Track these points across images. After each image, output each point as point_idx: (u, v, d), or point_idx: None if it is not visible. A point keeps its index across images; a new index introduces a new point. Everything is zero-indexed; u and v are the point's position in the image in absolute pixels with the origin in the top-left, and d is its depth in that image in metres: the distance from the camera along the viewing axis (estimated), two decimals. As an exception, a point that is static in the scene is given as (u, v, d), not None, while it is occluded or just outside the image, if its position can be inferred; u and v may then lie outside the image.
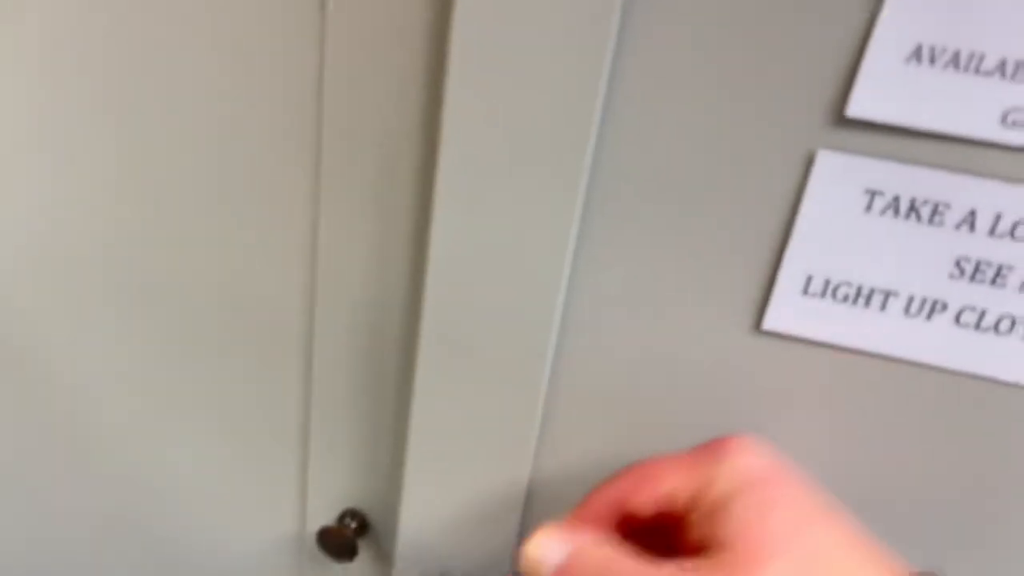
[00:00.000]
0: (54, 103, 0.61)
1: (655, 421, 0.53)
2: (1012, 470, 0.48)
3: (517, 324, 0.51)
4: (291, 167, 0.57)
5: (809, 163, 0.44)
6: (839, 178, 0.44)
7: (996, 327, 0.45)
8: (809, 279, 0.46)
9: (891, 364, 0.47)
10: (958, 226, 0.43)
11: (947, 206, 0.43)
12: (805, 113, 0.43)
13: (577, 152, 0.46)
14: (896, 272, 0.45)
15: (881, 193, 0.44)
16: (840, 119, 0.43)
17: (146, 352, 0.68)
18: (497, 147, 0.47)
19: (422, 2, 0.48)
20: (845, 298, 0.46)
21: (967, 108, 0.41)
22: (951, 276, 0.44)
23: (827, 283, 0.46)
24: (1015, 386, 0.46)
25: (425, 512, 0.60)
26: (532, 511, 0.59)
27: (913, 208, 0.43)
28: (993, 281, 0.44)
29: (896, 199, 0.43)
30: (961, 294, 0.45)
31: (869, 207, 0.44)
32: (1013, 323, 0.45)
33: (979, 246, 0.43)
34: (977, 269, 0.44)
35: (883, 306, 0.46)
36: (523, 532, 0.59)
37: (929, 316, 0.46)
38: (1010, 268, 0.43)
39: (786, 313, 0.48)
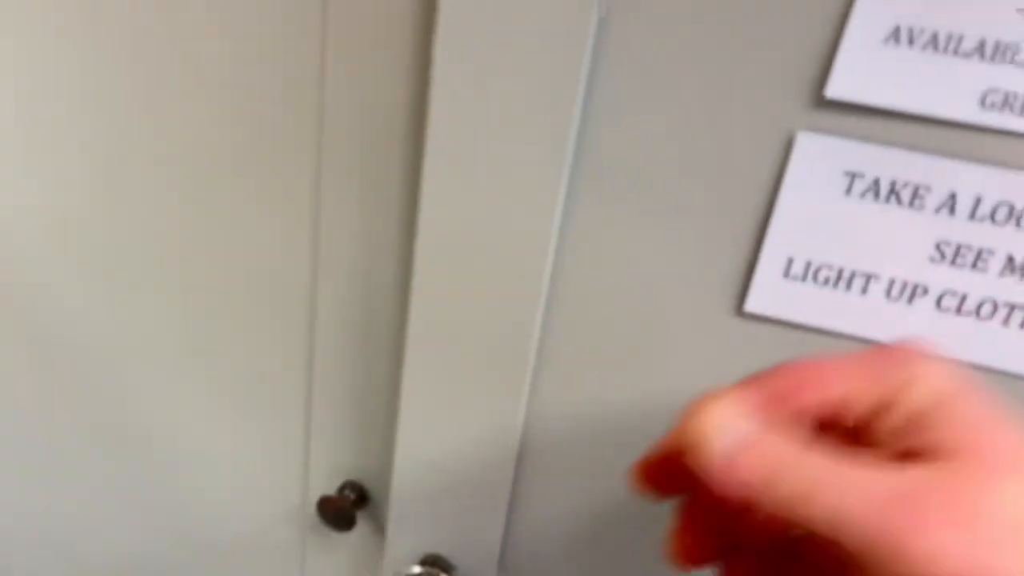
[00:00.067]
0: (83, 92, 0.63)
1: (640, 400, 0.54)
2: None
3: (503, 304, 0.52)
4: (293, 154, 0.59)
5: (789, 145, 0.44)
6: (819, 160, 0.44)
7: (977, 311, 0.45)
8: (790, 262, 0.47)
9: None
10: (938, 209, 0.43)
11: (927, 189, 0.43)
12: (784, 95, 0.43)
13: (561, 135, 0.46)
14: (877, 255, 0.45)
15: (861, 175, 0.44)
16: (819, 101, 0.43)
17: (158, 329, 0.71)
18: (483, 130, 0.48)
19: (413, -16, 0.49)
20: (826, 281, 0.47)
21: (946, 90, 0.40)
22: (932, 260, 0.44)
23: (808, 266, 0.46)
24: (996, 371, 0.46)
25: (416, 487, 0.62)
26: (520, 487, 0.60)
27: (893, 191, 0.43)
28: (974, 265, 0.44)
29: (876, 182, 0.43)
30: (942, 278, 0.45)
31: (849, 190, 0.44)
32: (995, 308, 0.44)
33: (960, 230, 0.43)
34: (958, 253, 0.44)
35: (864, 289, 0.46)
36: (511, 510, 0.61)
37: (910, 300, 0.46)
38: (991, 252, 0.43)
39: (768, 296, 0.48)
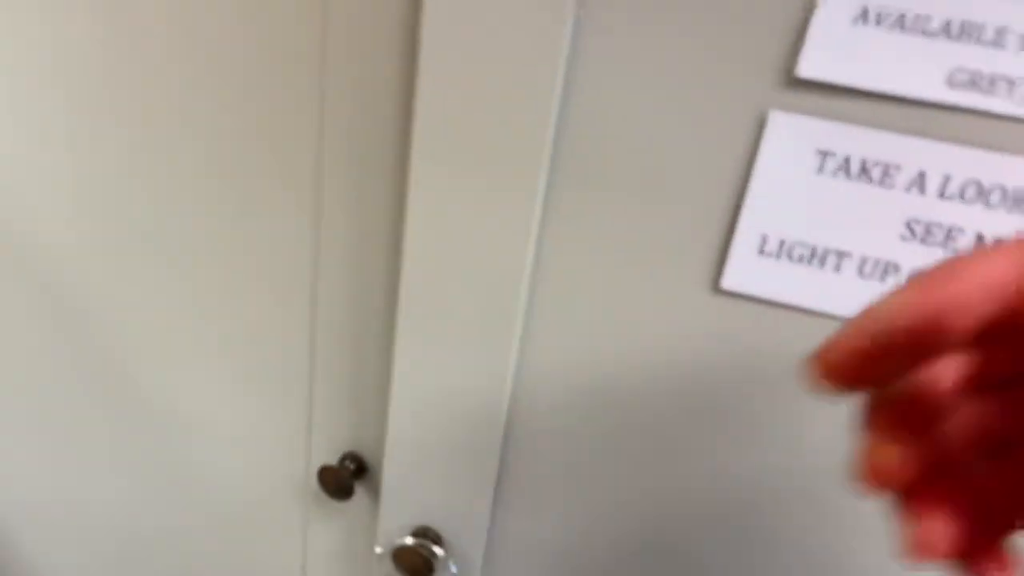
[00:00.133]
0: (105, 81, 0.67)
1: (622, 375, 0.55)
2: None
3: (488, 285, 0.54)
4: (295, 146, 0.61)
5: (762, 124, 0.45)
6: (791, 139, 0.45)
7: (949, 290, 0.45)
8: (764, 239, 0.48)
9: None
10: (908, 188, 0.44)
11: (897, 168, 0.44)
12: (757, 75, 0.44)
13: (541, 115, 0.48)
14: (849, 233, 0.46)
15: (832, 154, 0.44)
16: (791, 80, 0.44)
17: (170, 312, 0.74)
18: (466, 117, 0.50)
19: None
20: (800, 258, 0.47)
21: (913, 69, 0.41)
22: (903, 238, 0.45)
23: (782, 243, 0.47)
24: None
25: (407, 461, 0.64)
26: (508, 461, 0.62)
27: (864, 169, 0.44)
28: (944, 243, 0.44)
29: (847, 160, 0.44)
30: (913, 256, 0.45)
31: (821, 168, 0.45)
32: (965, 286, 0.45)
33: (929, 208, 0.44)
34: (928, 231, 0.44)
35: (837, 267, 0.47)
36: (499, 484, 0.63)
37: (882, 278, 0.46)
38: (960, 230, 0.44)
39: (743, 273, 0.49)
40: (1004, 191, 0.42)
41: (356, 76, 0.57)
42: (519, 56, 0.47)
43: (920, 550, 0.27)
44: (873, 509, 0.52)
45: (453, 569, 0.66)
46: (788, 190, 0.46)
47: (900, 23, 0.40)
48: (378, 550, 0.68)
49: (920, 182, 0.43)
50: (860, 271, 0.47)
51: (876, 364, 0.25)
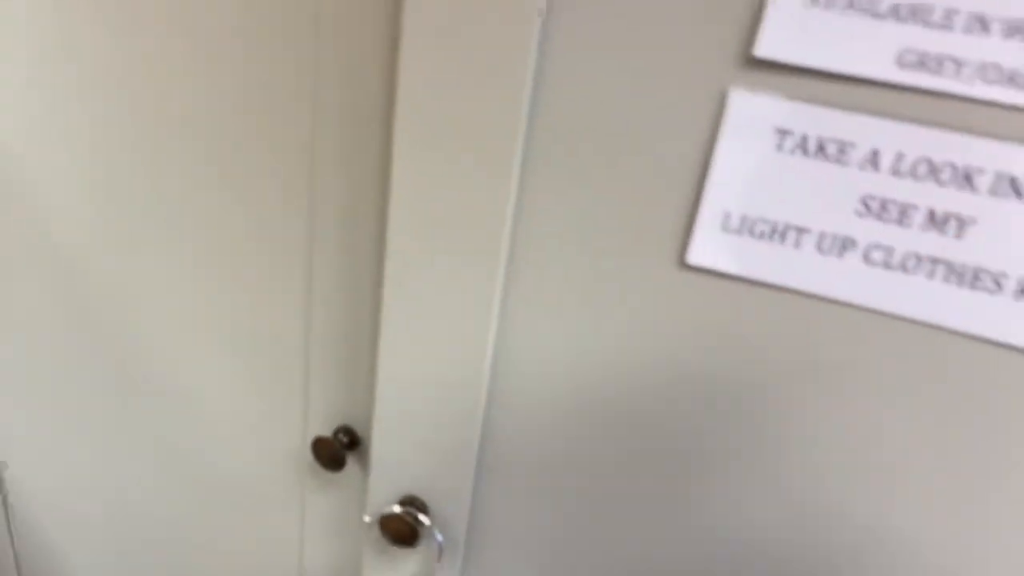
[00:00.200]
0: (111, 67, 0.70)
1: (595, 348, 0.57)
2: (914, 403, 0.50)
3: (467, 260, 0.56)
4: (291, 135, 0.64)
5: (723, 104, 0.47)
6: (751, 118, 0.47)
7: (903, 265, 0.47)
8: (727, 216, 0.49)
9: (806, 300, 0.50)
10: (862, 165, 0.45)
11: (852, 145, 0.45)
12: (717, 55, 0.46)
13: (515, 98, 0.50)
14: (807, 209, 0.48)
15: (791, 132, 0.46)
16: (749, 61, 0.45)
17: (172, 290, 0.77)
18: (445, 104, 0.52)
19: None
20: (761, 235, 0.49)
21: (864, 50, 0.43)
22: (858, 214, 0.47)
23: (744, 219, 0.49)
24: (923, 324, 0.48)
25: (394, 433, 0.66)
26: (489, 433, 0.64)
27: (820, 147, 0.46)
28: (899, 220, 0.46)
29: (804, 138, 0.46)
30: (869, 232, 0.47)
31: (780, 146, 0.47)
32: (919, 261, 0.46)
33: (883, 185, 0.45)
34: (883, 207, 0.46)
35: (797, 243, 0.49)
36: (481, 455, 0.65)
37: (840, 254, 0.48)
38: (914, 207, 0.45)
39: (708, 248, 0.51)
40: (954, 168, 0.44)
41: (344, 71, 0.59)
42: (493, 45, 0.49)
43: None
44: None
45: (439, 537, 0.69)
46: (749, 168, 0.48)
47: (850, 4, 0.42)
48: (366, 518, 0.71)
49: (874, 159, 0.45)
50: (819, 247, 0.48)
51: None
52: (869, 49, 0.43)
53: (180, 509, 0.92)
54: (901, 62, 0.42)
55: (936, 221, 0.45)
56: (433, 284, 0.59)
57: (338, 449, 0.73)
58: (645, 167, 0.50)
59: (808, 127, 0.46)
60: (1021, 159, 0.42)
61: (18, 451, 0.99)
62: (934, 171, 0.44)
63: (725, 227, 0.50)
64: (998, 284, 0.45)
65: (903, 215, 0.46)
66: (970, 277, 0.46)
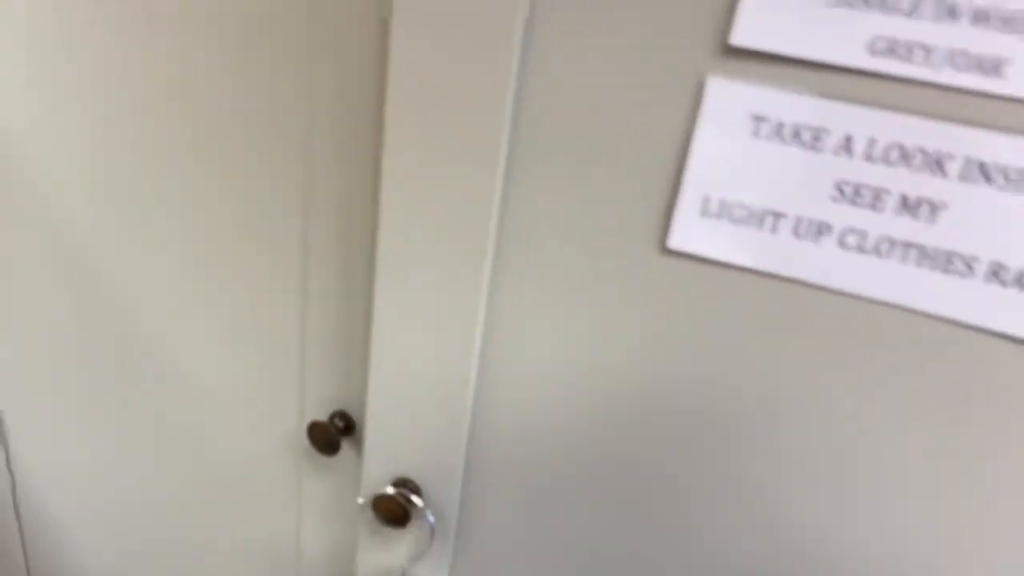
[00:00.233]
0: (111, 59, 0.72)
1: (582, 332, 0.58)
2: (890, 385, 0.51)
3: (456, 251, 0.58)
4: (288, 128, 0.66)
5: (701, 91, 0.48)
6: (728, 105, 0.48)
7: (877, 249, 0.48)
8: (706, 200, 0.51)
9: (783, 284, 0.51)
10: (836, 151, 0.46)
11: (825, 131, 0.46)
12: (695, 44, 0.47)
13: (500, 97, 0.51)
14: (783, 194, 0.49)
15: (766, 119, 0.47)
16: (726, 49, 0.46)
17: (171, 278, 0.79)
18: (434, 95, 0.53)
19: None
20: (739, 219, 0.50)
21: (836, 37, 0.44)
22: (833, 199, 0.48)
23: (723, 205, 0.50)
24: (897, 307, 0.49)
25: (387, 417, 0.68)
26: (479, 416, 0.65)
27: (796, 133, 0.47)
28: (872, 205, 0.47)
29: (780, 125, 0.47)
30: (843, 216, 0.48)
31: (756, 132, 0.48)
32: (892, 245, 0.47)
33: (857, 170, 0.46)
34: (857, 192, 0.47)
35: (774, 228, 0.50)
36: (471, 438, 0.66)
37: (816, 238, 0.49)
38: (887, 192, 0.46)
39: (688, 233, 0.52)
40: (925, 154, 0.45)
41: (339, 67, 0.61)
42: (479, 41, 0.50)
43: None
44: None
45: (431, 519, 0.70)
46: (727, 153, 0.49)
47: (823, -7, 0.43)
48: (360, 500, 0.72)
49: (847, 145, 0.46)
50: (795, 231, 0.49)
51: None
52: (841, 37, 0.44)
53: (180, 494, 0.93)
54: (872, 49, 0.43)
55: (909, 206, 0.46)
56: (423, 277, 0.60)
57: (333, 433, 0.75)
58: (628, 156, 0.51)
59: (783, 114, 0.47)
60: (990, 145, 0.43)
61: (23, 436, 1.01)
62: (906, 157, 0.45)
63: (704, 212, 0.51)
64: (969, 267, 0.46)
65: (876, 200, 0.47)
66: (943, 261, 0.47)
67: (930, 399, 0.50)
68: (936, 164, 0.45)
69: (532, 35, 0.51)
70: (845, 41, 0.44)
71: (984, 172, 0.44)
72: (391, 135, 0.56)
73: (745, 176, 0.49)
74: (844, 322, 0.50)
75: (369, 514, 0.72)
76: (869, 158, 0.46)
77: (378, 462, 0.71)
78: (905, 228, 0.47)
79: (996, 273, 0.46)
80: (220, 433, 0.87)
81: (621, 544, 0.64)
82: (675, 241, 0.52)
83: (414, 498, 0.69)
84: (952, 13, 0.41)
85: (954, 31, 0.42)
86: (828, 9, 0.43)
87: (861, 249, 0.48)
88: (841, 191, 0.47)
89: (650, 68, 0.49)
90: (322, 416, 0.79)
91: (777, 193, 0.49)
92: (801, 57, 0.45)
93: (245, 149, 0.70)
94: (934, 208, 0.46)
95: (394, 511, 0.69)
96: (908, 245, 0.47)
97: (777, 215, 0.49)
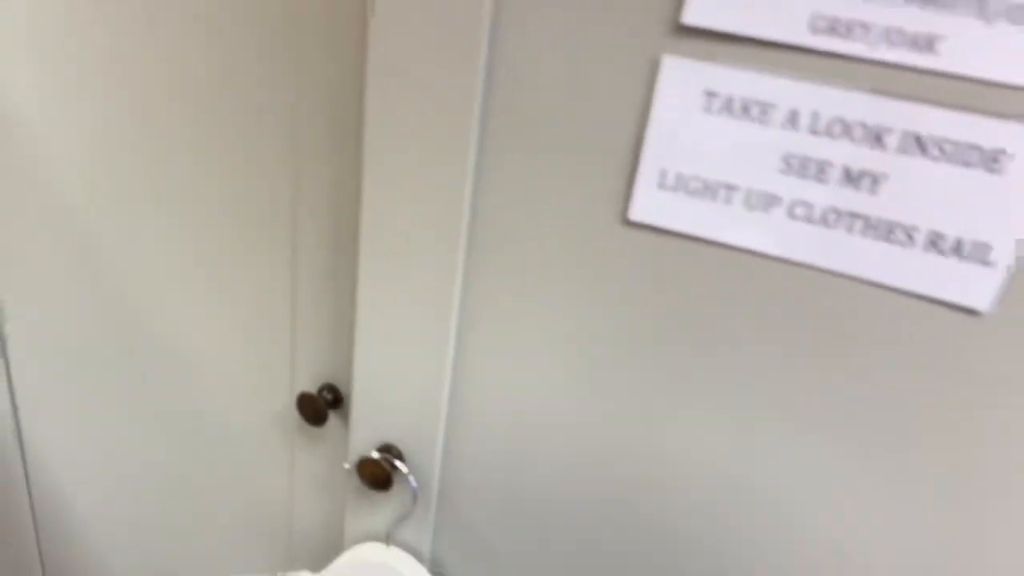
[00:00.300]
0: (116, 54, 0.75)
1: (554, 301, 0.61)
2: (841, 352, 0.53)
3: (433, 227, 0.61)
4: (274, 121, 0.68)
5: (655, 69, 0.50)
6: (682, 81, 0.50)
7: (825, 220, 0.50)
8: (664, 174, 0.53)
9: (737, 254, 0.53)
10: (783, 125, 0.49)
11: (772, 106, 0.49)
12: (649, 23, 0.49)
13: (469, 83, 0.54)
14: (735, 167, 0.51)
15: (717, 94, 0.50)
16: (678, 28, 0.49)
17: (170, 257, 0.82)
18: (410, 85, 0.56)
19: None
20: (695, 192, 0.53)
21: (779, 16, 0.46)
22: (781, 171, 0.50)
23: (679, 177, 0.53)
24: (847, 276, 0.51)
25: (372, 388, 0.71)
26: (457, 386, 0.68)
27: (745, 108, 0.49)
28: (818, 177, 0.49)
29: (730, 100, 0.49)
30: (791, 188, 0.50)
31: (708, 107, 0.50)
32: (838, 215, 0.50)
33: (802, 143, 0.49)
34: (803, 165, 0.49)
35: (727, 199, 0.52)
36: (451, 406, 0.69)
37: (767, 209, 0.51)
38: (830, 164, 0.49)
39: (648, 205, 0.54)
40: (865, 127, 0.47)
41: (325, 52, 0.63)
42: (450, 32, 0.53)
43: None
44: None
45: (413, 483, 0.74)
46: (681, 128, 0.51)
47: (766, -26, 0.45)
48: (346, 466, 0.75)
49: (793, 119, 0.48)
50: (747, 203, 0.52)
51: None
52: (784, 15, 0.46)
53: (181, 466, 0.97)
54: (814, 27, 0.46)
55: (852, 178, 0.48)
56: (402, 260, 0.63)
57: (321, 405, 0.78)
58: (591, 135, 0.54)
59: (733, 89, 0.49)
60: (925, 118, 0.46)
61: (33, 404, 1.05)
62: (847, 130, 0.47)
63: (662, 185, 0.53)
64: (910, 237, 0.49)
65: (821, 172, 0.49)
66: (885, 231, 0.49)
67: (877, 369, 0.53)
68: (875, 137, 0.47)
69: (498, 25, 0.53)
70: (788, 19, 0.46)
71: (920, 144, 0.46)
72: (371, 128, 0.59)
73: (699, 150, 0.51)
74: (797, 293, 0.53)
75: (355, 479, 0.76)
76: (814, 131, 0.48)
77: (364, 429, 0.74)
78: (849, 199, 0.49)
79: (935, 243, 0.48)
80: (216, 409, 0.90)
81: (597, 506, 0.67)
82: (635, 213, 0.55)
83: (398, 463, 0.73)
84: (887, -8, 0.44)
85: (890, 9, 0.44)
86: (771, -11, 0.45)
87: (809, 219, 0.51)
88: (788, 164, 0.50)
89: (609, 50, 0.51)
90: (312, 389, 0.82)
91: (729, 166, 0.51)
92: (748, 35, 0.47)
93: (239, 139, 0.73)
94: (875, 180, 0.48)
95: (378, 475, 0.72)
96: (853, 216, 0.49)
97: (730, 187, 0.52)
